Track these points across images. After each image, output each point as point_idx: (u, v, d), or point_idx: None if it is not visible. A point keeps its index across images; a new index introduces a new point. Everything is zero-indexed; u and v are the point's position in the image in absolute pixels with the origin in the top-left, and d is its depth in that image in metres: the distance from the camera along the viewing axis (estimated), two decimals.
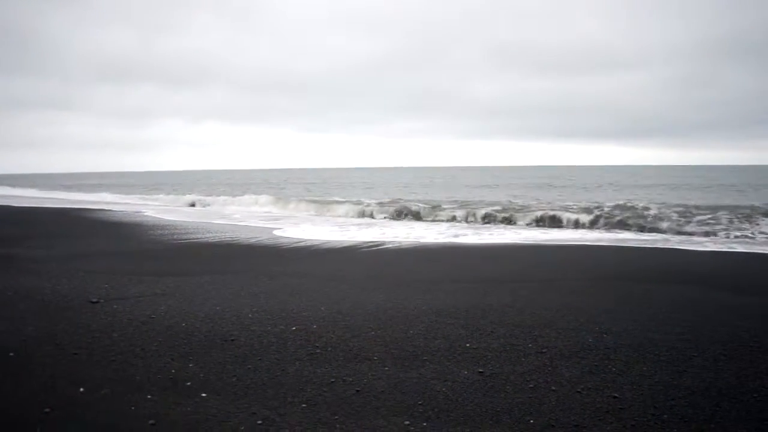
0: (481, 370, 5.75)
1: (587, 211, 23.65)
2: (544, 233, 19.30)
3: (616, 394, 5.15)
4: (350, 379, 5.53)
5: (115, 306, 8.37)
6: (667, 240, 17.22)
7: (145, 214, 28.53)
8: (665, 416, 4.71)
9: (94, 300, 8.66)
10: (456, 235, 18.82)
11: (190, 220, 24.26)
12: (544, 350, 6.34)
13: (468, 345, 6.52)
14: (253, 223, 23.51)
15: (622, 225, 20.47)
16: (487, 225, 22.22)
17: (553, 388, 5.31)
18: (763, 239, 16.99)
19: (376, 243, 16.65)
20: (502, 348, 6.42)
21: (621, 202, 28.20)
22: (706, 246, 15.75)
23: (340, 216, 26.86)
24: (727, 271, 11.70)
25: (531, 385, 5.37)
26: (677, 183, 58.45)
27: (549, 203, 30.81)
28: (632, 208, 24.73)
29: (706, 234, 18.10)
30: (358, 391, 5.27)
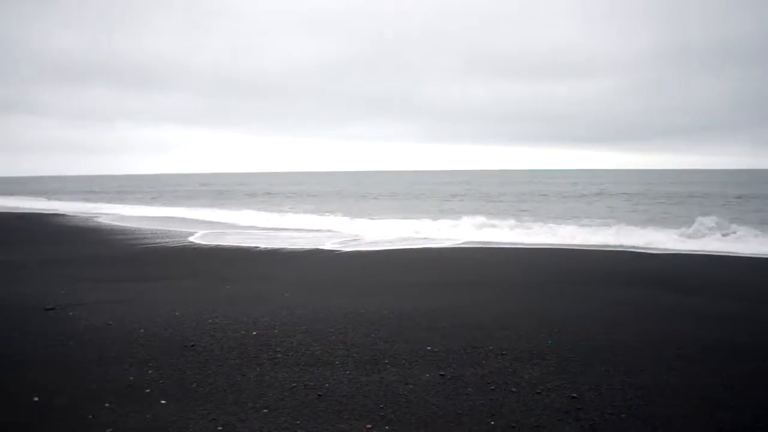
0: (442, 373, 5.78)
1: None
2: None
3: (575, 395, 5.22)
4: (312, 384, 5.51)
5: (71, 313, 8.21)
6: None
7: (101, 219, 28.08)
8: (623, 415, 4.80)
9: (50, 307, 8.48)
10: (414, 238, 18.89)
11: (146, 226, 23.93)
12: (504, 352, 6.40)
13: (429, 348, 6.55)
14: (209, 229, 23.28)
15: None
16: None
17: (513, 389, 5.36)
18: None
19: (337, 248, 16.64)
20: (463, 350, 6.46)
21: None
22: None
23: None
24: (683, 272, 11.95)
25: (492, 387, 5.41)
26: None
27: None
28: None
29: None
30: (320, 395, 5.26)
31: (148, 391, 5.36)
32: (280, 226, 23.53)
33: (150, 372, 5.84)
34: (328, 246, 16.89)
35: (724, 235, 18.01)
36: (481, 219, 22.90)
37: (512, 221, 22.14)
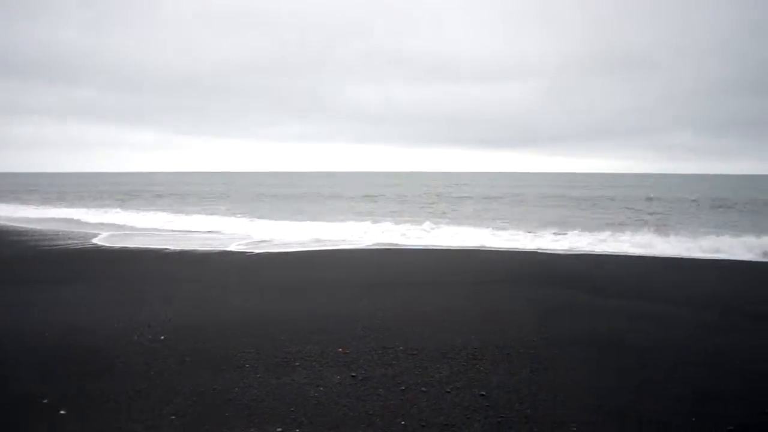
0: (353, 374, 5.79)
1: None
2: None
3: (483, 392, 5.33)
4: (221, 388, 5.41)
5: None
6: None
7: None
8: (529, 411, 4.93)
9: None
10: (325, 240, 18.85)
11: (48, 227, 22.95)
12: (414, 352, 6.47)
13: (340, 349, 6.54)
14: (115, 230, 22.56)
15: None
16: None
17: (424, 389, 5.43)
18: None
19: (247, 250, 16.43)
20: (374, 351, 6.49)
21: None
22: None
23: None
24: (594, 273, 12.38)
25: (402, 387, 5.46)
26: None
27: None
28: None
29: None
30: (229, 399, 5.16)
31: (45, 401, 5.12)
32: (189, 228, 22.97)
33: (49, 380, 5.59)
34: (238, 248, 16.65)
35: (633, 234, 18.84)
36: (393, 220, 23.02)
37: (427, 223, 22.40)
